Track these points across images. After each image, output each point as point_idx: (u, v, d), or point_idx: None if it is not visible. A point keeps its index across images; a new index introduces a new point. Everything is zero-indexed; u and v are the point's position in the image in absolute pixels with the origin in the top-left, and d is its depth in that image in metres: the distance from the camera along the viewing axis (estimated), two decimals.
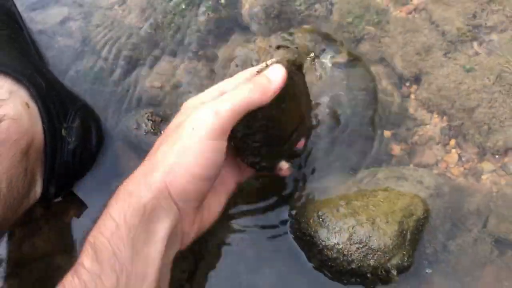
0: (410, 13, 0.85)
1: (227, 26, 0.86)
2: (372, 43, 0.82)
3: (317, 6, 0.85)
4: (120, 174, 0.74)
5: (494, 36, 0.82)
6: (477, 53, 0.81)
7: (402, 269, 0.61)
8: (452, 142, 0.76)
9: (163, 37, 0.84)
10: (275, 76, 0.54)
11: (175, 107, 0.78)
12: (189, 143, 0.49)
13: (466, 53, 0.81)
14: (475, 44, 0.82)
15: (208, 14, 0.85)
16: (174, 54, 0.83)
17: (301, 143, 0.64)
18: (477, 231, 0.69)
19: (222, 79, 0.81)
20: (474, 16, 0.83)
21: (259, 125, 0.54)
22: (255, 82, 0.53)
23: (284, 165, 0.59)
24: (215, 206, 0.59)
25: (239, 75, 0.59)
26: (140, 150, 0.75)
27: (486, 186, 0.72)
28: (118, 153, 0.76)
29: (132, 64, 0.82)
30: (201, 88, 0.80)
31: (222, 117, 0.50)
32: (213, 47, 0.84)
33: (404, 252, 0.61)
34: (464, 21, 0.83)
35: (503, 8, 0.83)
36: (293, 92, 0.57)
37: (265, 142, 0.56)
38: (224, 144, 0.51)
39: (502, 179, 0.73)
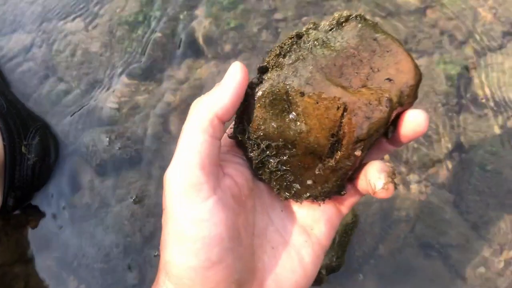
0: None
1: (183, 49, 0.93)
2: None
3: (263, 33, 0.93)
4: (78, 188, 0.80)
5: (423, 60, 0.90)
6: None
7: (331, 269, 0.68)
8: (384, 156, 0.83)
9: (122, 61, 0.91)
10: (227, 75, 0.38)
11: (131, 127, 0.84)
12: (169, 229, 0.37)
13: None
14: None
15: (164, 38, 0.92)
16: (132, 76, 0.90)
17: (402, 135, 0.40)
18: (405, 236, 0.76)
19: (179, 100, 0.89)
20: (405, 42, 0.92)
21: (265, 147, 0.40)
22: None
23: (374, 178, 0.39)
24: (290, 272, 0.42)
25: None
26: (97, 166, 0.81)
27: (414, 195, 0.80)
28: (76, 168, 0.81)
29: (92, 86, 0.88)
30: (156, 108, 0.86)
31: (188, 175, 0.37)
32: (172, 68, 0.91)
33: (333, 253, 0.67)
34: None
35: (430, 36, 0.92)
36: (309, 75, 0.38)
37: (291, 165, 0.40)
38: (211, 207, 0.36)
39: (428, 188, 0.80)
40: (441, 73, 0.88)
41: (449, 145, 0.82)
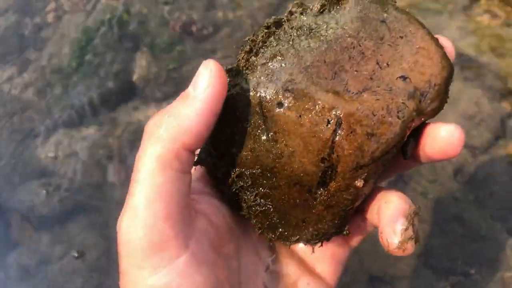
0: None
1: (121, 93, 0.91)
2: None
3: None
4: (14, 246, 0.76)
5: None
6: None
7: None
8: None
9: (57, 108, 0.88)
10: (198, 82, 0.27)
11: (69, 178, 0.81)
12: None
13: None
14: None
15: (101, 83, 0.90)
16: (69, 123, 0.87)
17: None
18: (353, 271, 0.77)
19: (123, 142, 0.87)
20: None
21: (236, 177, 0.31)
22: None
23: (388, 230, 0.28)
24: None
25: None
26: (35, 221, 0.77)
27: None
28: (11, 226, 0.77)
29: (26, 136, 0.85)
30: (94, 156, 0.84)
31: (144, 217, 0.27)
32: (110, 113, 0.89)
33: None
34: None
35: None
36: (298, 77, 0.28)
37: (273, 199, 0.31)
38: (182, 268, 0.27)
39: None
40: None
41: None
